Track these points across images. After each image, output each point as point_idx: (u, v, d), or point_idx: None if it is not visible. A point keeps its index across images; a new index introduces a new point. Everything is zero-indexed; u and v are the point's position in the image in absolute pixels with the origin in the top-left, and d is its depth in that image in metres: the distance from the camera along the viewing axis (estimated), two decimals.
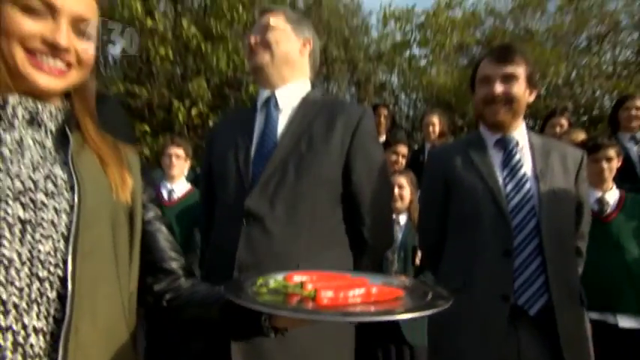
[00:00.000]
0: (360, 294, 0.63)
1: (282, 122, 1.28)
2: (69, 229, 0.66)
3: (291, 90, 1.33)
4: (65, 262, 0.64)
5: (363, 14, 7.34)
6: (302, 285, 0.65)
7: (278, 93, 1.31)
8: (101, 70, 5.32)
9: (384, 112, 4.35)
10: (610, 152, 2.46)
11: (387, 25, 7.18)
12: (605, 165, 2.45)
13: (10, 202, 0.63)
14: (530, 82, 1.46)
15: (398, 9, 7.26)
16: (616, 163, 2.49)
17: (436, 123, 4.06)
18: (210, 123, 4.75)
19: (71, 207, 0.67)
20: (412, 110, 8.05)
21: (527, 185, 1.41)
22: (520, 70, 1.43)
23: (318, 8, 6.03)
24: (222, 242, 1.20)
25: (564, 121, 3.69)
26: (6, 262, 0.61)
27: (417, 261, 2.57)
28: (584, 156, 1.54)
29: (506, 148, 1.48)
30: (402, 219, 2.74)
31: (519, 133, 1.50)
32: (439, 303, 0.58)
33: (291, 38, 1.34)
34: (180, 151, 3.01)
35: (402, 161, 3.35)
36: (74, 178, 0.68)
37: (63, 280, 0.64)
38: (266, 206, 1.16)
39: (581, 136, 3.16)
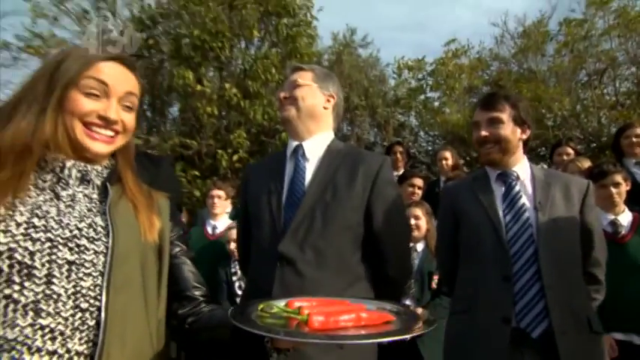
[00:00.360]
0: (350, 318, 0.62)
1: (309, 171, 1.29)
2: (105, 268, 0.70)
3: (316, 141, 1.33)
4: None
5: (380, 66, 7.53)
6: (299, 310, 0.64)
7: (305, 144, 1.32)
8: (161, 128, 5.71)
9: (399, 149, 4.34)
10: (616, 177, 2.32)
11: (401, 74, 7.31)
12: (613, 190, 2.30)
13: (61, 247, 0.69)
14: (518, 122, 1.44)
15: (411, 60, 7.41)
16: (625, 187, 2.33)
17: (448, 157, 3.99)
18: None
19: (107, 248, 0.71)
20: (431, 146, 7.98)
21: (526, 215, 1.37)
22: (504, 114, 1.42)
23: (339, 64, 6.27)
24: (259, 280, 1.21)
25: (570, 150, 3.53)
26: (55, 296, 0.66)
27: (434, 285, 2.45)
28: (590, 184, 1.46)
29: (506, 181, 1.46)
30: (420, 247, 2.66)
31: (520, 167, 1.47)
32: (418, 327, 0.56)
33: (316, 94, 1.34)
34: (221, 193, 3.09)
35: (418, 192, 3.28)
36: (110, 225, 0.73)
37: (101, 311, 0.68)
38: (297, 251, 1.17)
39: (586, 163, 3.00)
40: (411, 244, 2.65)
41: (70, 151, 0.75)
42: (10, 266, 0.64)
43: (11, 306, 0.63)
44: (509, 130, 1.43)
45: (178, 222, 0.87)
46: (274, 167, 1.34)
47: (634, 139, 3.20)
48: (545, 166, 3.94)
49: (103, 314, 0.67)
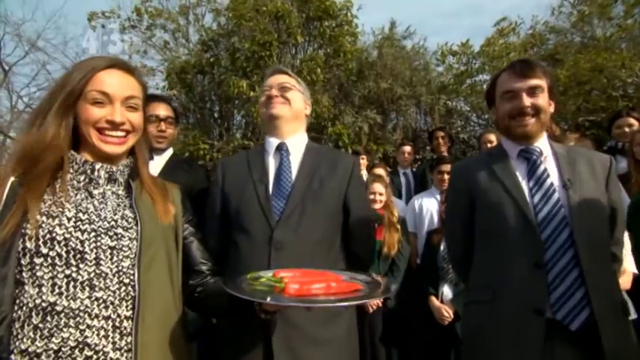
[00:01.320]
0: (321, 287, 0.68)
1: (294, 165, 1.37)
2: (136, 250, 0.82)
3: (297, 139, 1.43)
4: None
5: (428, 55, 7.16)
6: (281, 279, 0.72)
7: (288, 142, 1.40)
8: (224, 133, 6.14)
9: (440, 134, 4.19)
10: None
11: (445, 61, 6.89)
12: None
13: (103, 235, 0.81)
14: (551, 94, 1.32)
15: (455, 44, 6.93)
16: None
17: (494, 140, 3.68)
18: None
19: (138, 235, 0.83)
20: (484, 129, 7.40)
21: (556, 195, 1.21)
22: (543, 83, 1.28)
23: (381, 58, 6.13)
24: (253, 266, 1.15)
25: (633, 121, 3.05)
26: (104, 274, 0.80)
27: None
28: (612, 160, 1.30)
29: (530, 158, 1.30)
30: None
31: (542, 143, 1.32)
32: (376, 294, 0.59)
33: (301, 99, 1.45)
34: None
35: (448, 177, 3.13)
36: (137, 216, 0.85)
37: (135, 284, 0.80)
38: (291, 235, 1.23)
39: None
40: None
41: (91, 154, 0.85)
42: (67, 252, 0.77)
43: (72, 283, 0.76)
44: (547, 101, 1.29)
45: (188, 208, 0.98)
46: (256, 162, 1.39)
47: None
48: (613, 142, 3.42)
49: (137, 287, 0.80)
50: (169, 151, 1.89)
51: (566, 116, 5.24)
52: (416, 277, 2.65)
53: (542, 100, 1.27)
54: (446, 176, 3.15)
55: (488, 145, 3.72)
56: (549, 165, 1.29)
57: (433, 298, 2.42)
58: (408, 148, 4.31)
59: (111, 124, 0.86)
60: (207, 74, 6.06)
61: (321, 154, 1.41)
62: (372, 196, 2.65)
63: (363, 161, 4.34)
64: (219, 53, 6.24)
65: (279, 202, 1.29)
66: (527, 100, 1.26)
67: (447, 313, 2.33)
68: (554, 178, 1.25)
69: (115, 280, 0.79)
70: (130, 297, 0.79)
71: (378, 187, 2.72)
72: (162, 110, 1.81)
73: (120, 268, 0.80)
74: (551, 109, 1.33)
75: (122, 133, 0.88)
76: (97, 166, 0.88)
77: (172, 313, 0.86)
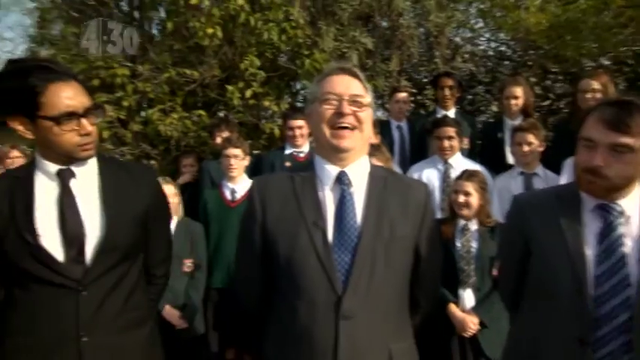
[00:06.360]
0: None
1: (358, 203, 1.33)
2: None
3: (360, 167, 1.38)
4: None
5: None
6: None
7: (350, 170, 1.35)
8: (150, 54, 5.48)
9: (448, 82, 4.06)
10: None
11: None
12: None
13: None
14: None
15: None
16: None
17: (519, 95, 3.73)
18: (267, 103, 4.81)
19: None
20: (492, 49, 7.20)
21: (625, 271, 1.26)
22: (636, 140, 1.23)
23: None
24: (316, 337, 1.24)
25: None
26: None
27: (494, 271, 2.51)
28: None
29: (606, 218, 1.31)
30: (472, 227, 2.70)
31: (631, 199, 1.31)
32: None
33: (371, 117, 1.39)
34: (238, 152, 3.23)
35: (451, 144, 3.27)
36: None
37: None
38: (361, 302, 1.24)
39: None
40: (462, 222, 2.72)
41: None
42: None
43: None
44: (635, 163, 1.24)
45: None
46: (305, 195, 1.33)
47: None
48: None
49: None
50: None
51: (605, 45, 5.25)
52: None
53: (625, 162, 1.24)
54: (446, 142, 3.25)
55: (512, 102, 3.72)
56: (630, 228, 1.30)
57: (454, 307, 2.53)
58: (403, 96, 4.18)
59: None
60: None
61: (389, 185, 1.38)
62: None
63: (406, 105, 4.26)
64: None
65: (342, 255, 1.27)
66: (600, 159, 1.25)
67: (473, 323, 2.46)
68: (631, 246, 1.28)
69: None
70: None
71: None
72: None
73: None
74: None
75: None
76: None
77: None
